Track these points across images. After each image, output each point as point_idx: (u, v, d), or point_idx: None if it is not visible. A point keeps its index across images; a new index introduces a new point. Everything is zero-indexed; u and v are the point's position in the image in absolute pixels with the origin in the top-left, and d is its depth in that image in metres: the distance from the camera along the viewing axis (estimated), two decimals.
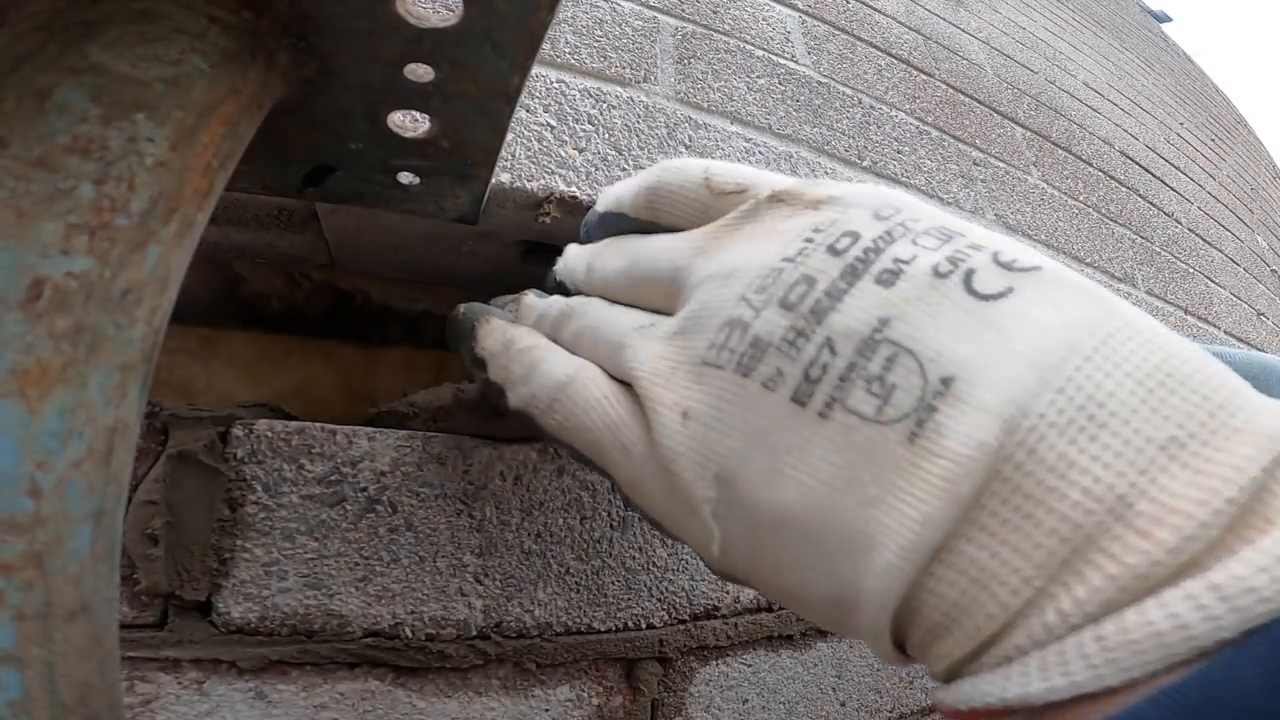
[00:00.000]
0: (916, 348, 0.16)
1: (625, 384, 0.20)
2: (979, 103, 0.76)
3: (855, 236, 0.18)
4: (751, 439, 0.17)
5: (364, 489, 0.28)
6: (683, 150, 0.42)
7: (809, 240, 0.18)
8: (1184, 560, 0.13)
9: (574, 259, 0.25)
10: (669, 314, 0.20)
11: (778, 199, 0.20)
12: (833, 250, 0.18)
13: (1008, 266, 0.17)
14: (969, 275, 0.16)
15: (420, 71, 0.21)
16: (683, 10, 0.50)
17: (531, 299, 0.25)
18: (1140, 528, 0.14)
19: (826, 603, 0.17)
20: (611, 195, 0.24)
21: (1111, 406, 0.14)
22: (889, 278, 0.17)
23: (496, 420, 0.30)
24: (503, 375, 0.23)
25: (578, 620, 0.31)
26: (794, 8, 0.62)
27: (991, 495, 0.15)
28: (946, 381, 0.15)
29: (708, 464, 0.18)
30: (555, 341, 0.23)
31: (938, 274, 0.17)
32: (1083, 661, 0.13)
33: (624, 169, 0.38)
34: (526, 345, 0.23)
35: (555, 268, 0.26)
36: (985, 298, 0.16)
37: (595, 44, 0.43)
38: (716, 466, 0.18)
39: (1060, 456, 0.14)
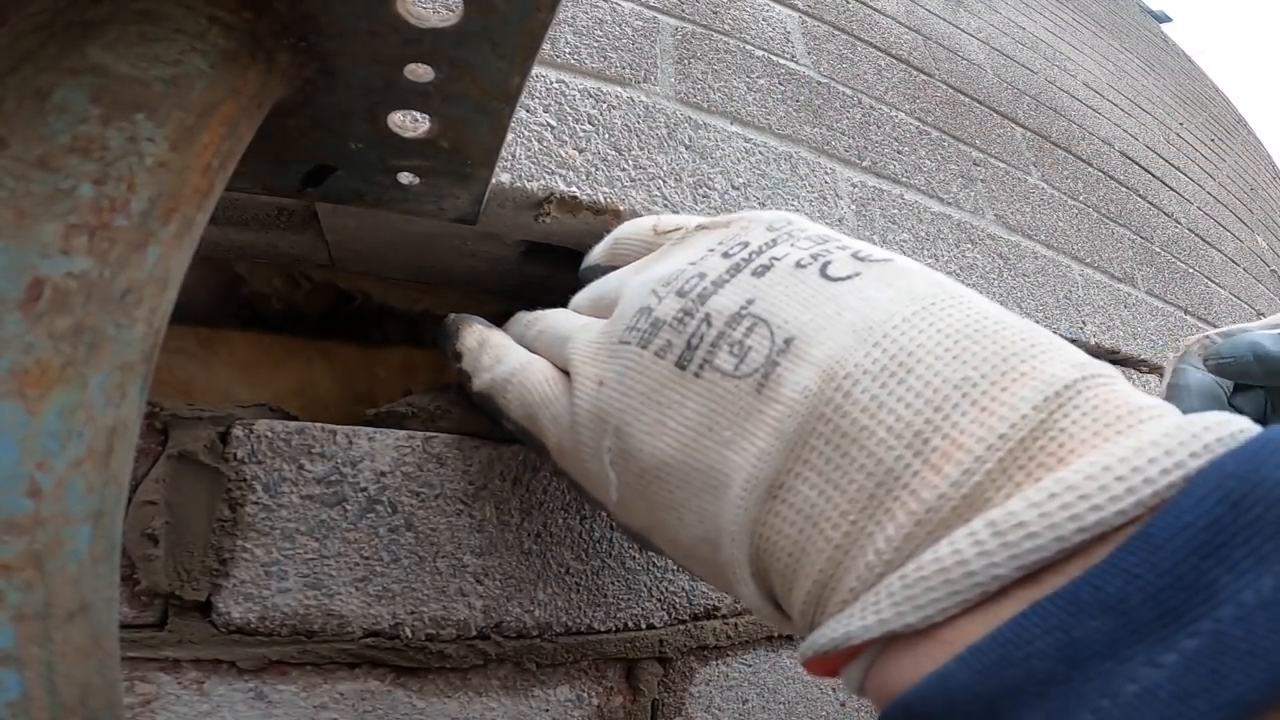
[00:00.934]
0: (770, 318, 0.18)
1: (566, 372, 0.24)
2: (979, 103, 0.76)
3: (746, 244, 0.21)
4: (644, 397, 0.20)
5: (364, 489, 0.28)
6: (682, 150, 0.42)
7: (711, 250, 0.22)
8: (967, 493, 0.14)
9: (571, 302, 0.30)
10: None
11: (703, 227, 0.24)
12: (726, 254, 0.21)
13: (862, 259, 0.19)
14: (825, 265, 0.19)
15: (420, 71, 0.21)
16: (683, 10, 0.50)
17: (520, 312, 0.30)
18: (934, 462, 0.15)
19: (700, 543, 0.19)
20: (589, 255, 0.30)
21: (919, 355, 0.16)
22: (762, 270, 0.20)
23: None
24: (473, 365, 0.28)
25: (578, 620, 0.31)
26: (794, 8, 0.62)
27: (816, 435, 0.16)
28: (788, 341, 0.18)
29: (609, 418, 0.21)
30: (523, 339, 0.28)
31: (799, 265, 0.20)
32: (889, 600, 0.14)
33: (624, 169, 0.38)
34: (496, 343, 0.28)
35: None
36: (834, 279, 0.19)
37: (595, 44, 0.43)
38: (616, 420, 0.21)
39: (872, 398, 0.16)
